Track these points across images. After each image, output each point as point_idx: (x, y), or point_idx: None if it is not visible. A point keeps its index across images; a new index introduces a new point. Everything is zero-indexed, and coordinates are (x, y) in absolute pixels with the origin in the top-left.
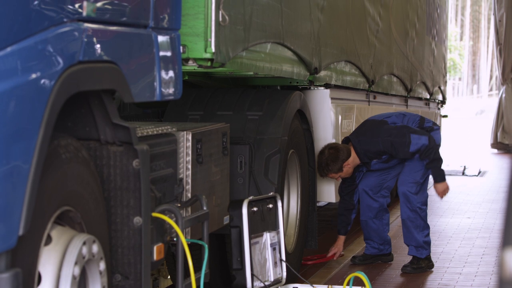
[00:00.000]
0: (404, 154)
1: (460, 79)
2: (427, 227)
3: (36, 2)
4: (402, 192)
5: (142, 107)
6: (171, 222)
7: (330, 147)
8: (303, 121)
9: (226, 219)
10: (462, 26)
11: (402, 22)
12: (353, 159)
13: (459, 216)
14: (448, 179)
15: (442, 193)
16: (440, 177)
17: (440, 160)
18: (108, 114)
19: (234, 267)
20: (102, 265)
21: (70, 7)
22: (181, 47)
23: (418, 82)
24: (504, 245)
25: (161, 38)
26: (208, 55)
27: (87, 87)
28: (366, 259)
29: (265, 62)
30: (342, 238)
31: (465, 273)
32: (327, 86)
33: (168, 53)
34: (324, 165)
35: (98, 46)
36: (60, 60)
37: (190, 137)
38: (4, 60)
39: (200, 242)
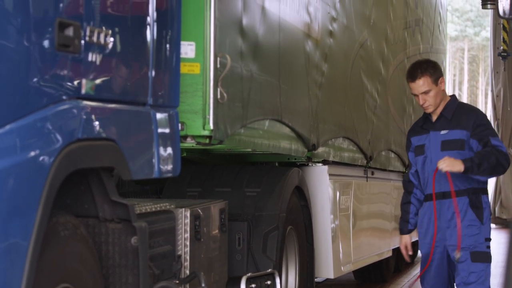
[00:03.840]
0: (482, 133)
1: None
2: None
3: (35, 80)
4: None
5: (141, 184)
6: None
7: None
8: (301, 197)
9: None
10: None
11: (399, 98)
12: (445, 92)
13: None
14: None
15: (448, 166)
16: (476, 164)
17: (500, 166)
18: (106, 191)
19: None
20: None
21: (69, 84)
22: (179, 124)
23: None
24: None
25: (159, 116)
26: (206, 132)
27: (86, 164)
28: None
29: (263, 139)
30: (404, 237)
31: None
32: (325, 162)
33: (167, 130)
34: (427, 64)
35: (97, 123)
36: (59, 138)
37: (188, 214)
38: (3, 137)
39: None
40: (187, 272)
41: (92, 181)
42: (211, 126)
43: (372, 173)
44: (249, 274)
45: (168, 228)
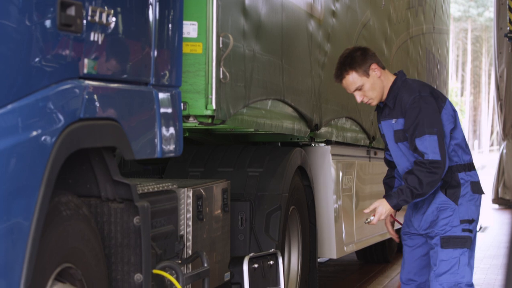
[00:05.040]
0: (409, 133)
1: None
2: None
3: (37, 59)
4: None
5: (143, 164)
6: (172, 279)
7: (357, 46)
8: (304, 177)
9: (227, 276)
10: (462, 81)
11: None
12: (387, 79)
13: None
14: None
15: (378, 214)
16: (402, 199)
17: (431, 181)
18: (109, 171)
19: None
20: None
21: (71, 64)
22: (181, 104)
23: None
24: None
25: (161, 95)
26: (209, 112)
27: (88, 144)
28: None
29: (266, 119)
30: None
31: None
32: (327, 142)
33: (169, 110)
34: (345, 59)
35: (99, 103)
36: (61, 117)
37: (191, 194)
38: (5, 117)
39: None
40: (190, 252)
41: (94, 161)
42: (214, 106)
43: (375, 153)
44: (251, 254)
45: (170, 208)
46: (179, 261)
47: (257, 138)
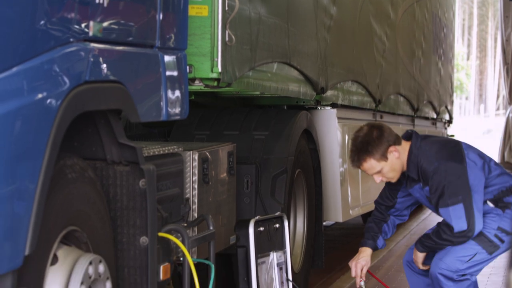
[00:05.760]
0: (433, 203)
1: (467, 98)
2: None
3: (42, 22)
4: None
5: (149, 127)
6: (178, 242)
7: (372, 124)
8: (310, 140)
9: (233, 239)
10: (469, 45)
11: (408, 42)
12: (403, 151)
13: None
14: None
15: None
16: (425, 248)
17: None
18: (114, 134)
19: (240, 287)
20: (109, 285)
21: (76, 27)
22: (187, 67)
23: (424, 102)
24: (510, 266)
25: (167, 58)
26: (214, 75)
27: (94, 107)
28: None
29: (272, 82)
30: (364, 250)
31: None
32: (333, 105)
33: (175, 73)
34: (362, 145)
35: (104, 66)
36: (66, 80)
37: (196, 157)
38: (10, 80)
39: (206, 262)
40: (195, 215)
41: (99, 123)
42: (219, 68)
43: (381, 117)
44: (257, 217)
45: (176, 171)
46: (185, 224)
47: (263, 101)
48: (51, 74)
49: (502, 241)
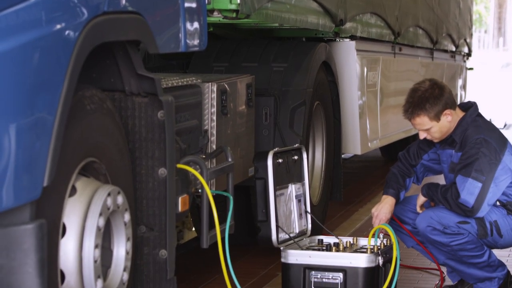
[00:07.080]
0: (457, 168)
1: (485, 31)
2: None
3: None
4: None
5: (167, 59)
6: (196, 174)
7: (434, 81)
8: (329, 73)
9: (251, 171)
10: None
11: None
12: (456, 117)
13: None
14: None
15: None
16: (428, 193)
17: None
18: (133, 65)
19: (259, 218)
20: (127, 217)
21: None
22: None
23: (443, 35)
24: None
25: None
26: (233, 6)
27: (112, 38)
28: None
29: (291, 14)
30: (388, 199)
31: None
32: (352, 38)
33: (193, 4)
34: (420, 100)
35: None
36: (85, 11)
37: (215, 89)
38: (29, 11)
39: (225, 194)
40: (214, 147)
41: (118, 54)
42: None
43: (400, 49)
44: (276, 149)
45: (195, 102)
46: (203, 156)
47: (282, 33)
48: (70, 5)
49: (492, 234)
